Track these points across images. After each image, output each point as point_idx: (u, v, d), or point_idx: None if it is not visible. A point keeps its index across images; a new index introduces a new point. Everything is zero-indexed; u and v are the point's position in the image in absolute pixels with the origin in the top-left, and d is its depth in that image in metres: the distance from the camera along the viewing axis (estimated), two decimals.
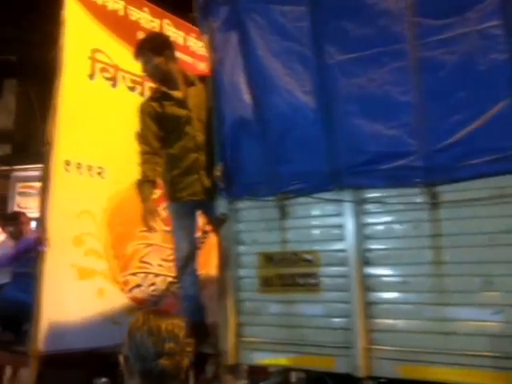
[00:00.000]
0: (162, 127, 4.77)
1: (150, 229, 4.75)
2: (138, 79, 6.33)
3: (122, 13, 6.26)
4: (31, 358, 5.25)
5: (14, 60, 14.63)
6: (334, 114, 4.00)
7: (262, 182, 4.31)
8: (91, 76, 5.92)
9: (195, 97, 4.78)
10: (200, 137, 4.71)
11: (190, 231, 4.78)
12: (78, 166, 5.69)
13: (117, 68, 6.13)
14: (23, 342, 5.80)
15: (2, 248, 6.76)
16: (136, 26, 6.40)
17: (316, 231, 4.18)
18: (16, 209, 13.41)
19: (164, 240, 6.41)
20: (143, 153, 4.79)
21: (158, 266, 6.37)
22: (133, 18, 6.36)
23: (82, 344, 5.50)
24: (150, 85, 6.29)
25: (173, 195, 4.76)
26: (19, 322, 6.08)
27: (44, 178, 5.56)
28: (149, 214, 4.68)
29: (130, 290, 6.05)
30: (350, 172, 3.95)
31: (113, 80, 6.12)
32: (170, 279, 6.24)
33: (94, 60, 5.93)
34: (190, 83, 4.83)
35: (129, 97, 6.25)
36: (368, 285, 3.93)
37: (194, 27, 6.87)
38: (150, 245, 6.32)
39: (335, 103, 4.00)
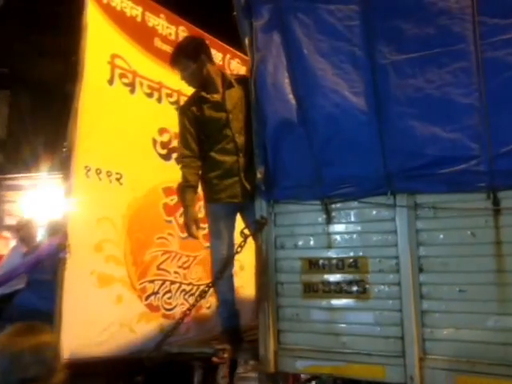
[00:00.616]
0: (201, 130, 4.45)
1: (192, 236, 4.40)
2: (155, 85, 5.94)
3: (139, 19, 5.86)
4: None
5: (6, 72, 14.17)
6: (387, 115, 3.67)
7: (305, 186, 3.97)
8: (110, 81, 5.51)
9: (233, 98, 4.46)
10: (239, 139, 4.37)
11: (228, 234, 4.45)
12: (98, 171, 5.28)
13: (135, 74, 5.74)
14: None
15: (15, 254, 6.28)
16: (153, 32, 6.02)
17: (365, 237, 3.84)
18: (6, 217, 12.90)
19: (181, 247, 6.02)
20: (183, 156, 4.48)
21: (174, 273, 5.97)
22: (150, 24, 5.98)
23: (100, 352, 5.08)
24: (166, 91, 5.93)
25: (211, 196, 4.42)
26: None
27: (65, 184, 5.14)
28: (191, 220, 4.34)
29: (147, 298, 5.62)
30: (404, 176, 3.62)
31: (131, 86, 5.71)
32: (185, 286, 5.89)
33: (113, 65, 5.53)
34: (228, 84, 4.43)
35: (146, 103, 5.85)
36: (422, 293, 3.60)
37: (208, 35, 6.51)
38: (168, 252, 5.91)
39: (388, 104, 3.68)
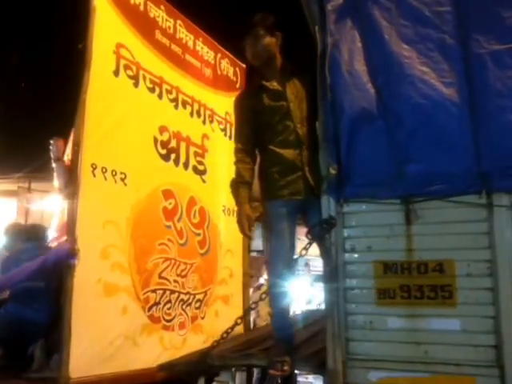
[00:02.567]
0: (259, 121, 3.90)
1: (246, 234, 3.87)
2: (157, 80, 5.39)
3: (142, 8, 5.29)
4: None
5: None
6: (484, 108, 3.30)
7: (384, 183, 3.51)
8: (116, 72, 4.97)
9: (295, 87, 3.95)
10: (301, 130, 3.84)
11: (290, 235, 3.88)
12: (104, 170, 4.72)
13: (138, 66, 5.20)
14: (29, 367, 4.77)
15: None
16: (154, 23, 5.48)
17: (452, 238, 3.41)
18: None
19: (179, 254, 5.50)
20: (238, 151, 3.91)
21: (173, 282, 5.42)
22: (151, 14, 5.42)
23: (106, 369, 4.55)
24: (166, 87, 5.36)
25: (272, 193, 3.83)
26: (23, 343, 4.86)
27: (72, 183, 4.55)
28: (244, 217, 3.77)
29: (149, 309, 5.05)
30: (504, 174, 3.25)
31: (135, 79, 5.18)
32: (183, 296, 5.32)
33: (118, 55, 5.00)
34: (290, 72, 3.97)
35: (149, 98, 5.32)
36: None
37: (202, 32, 6.01)
38: (168, 259, 5.36)
39: (486, 97, 3.31)
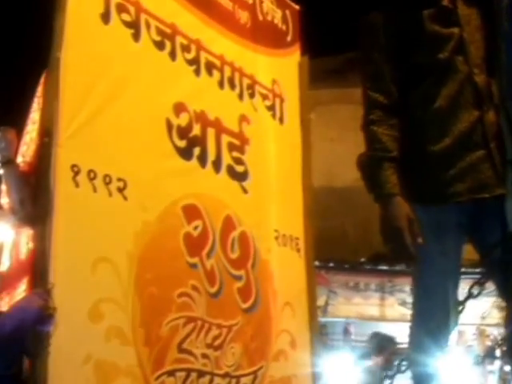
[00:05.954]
0: (411, 62, 3.27)
1: (414, 253, 3.04)
2: (167, 30, 4.90)
3: None
4: None
5: None
6: None
7: None
8: (105, 17, 4.46)
9: (465, 9, 3.37)
10: (480, 78, 3.25)
11: (456, 267, 3.27)
12: (91, 175, 4.20)
13: (139, 7, 4.70)
14: None
15: None
16: None
17: None
18: None
19: (208, 311, 4.88)
20: (376, 106, 3.23)
21: (201, 357, 4.80)
22: None
23: None
24: (181, 41, 4.90)
25: (433, 192, 3.17)
26: None
27: (43, 197, 4.04)
28: (406, 220, 3.04)
29: None
30: None
31: (134, 27, 4.67)
32: (219, 380, 4.77)
33: None
34: None
35: (156, 58, 4.83)
36: None
37: None
38: (192, 319, 4.76)
39: None
